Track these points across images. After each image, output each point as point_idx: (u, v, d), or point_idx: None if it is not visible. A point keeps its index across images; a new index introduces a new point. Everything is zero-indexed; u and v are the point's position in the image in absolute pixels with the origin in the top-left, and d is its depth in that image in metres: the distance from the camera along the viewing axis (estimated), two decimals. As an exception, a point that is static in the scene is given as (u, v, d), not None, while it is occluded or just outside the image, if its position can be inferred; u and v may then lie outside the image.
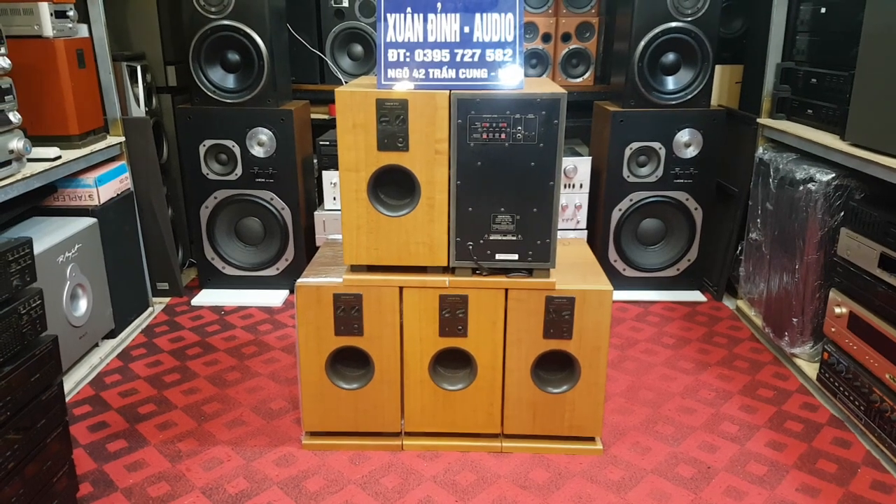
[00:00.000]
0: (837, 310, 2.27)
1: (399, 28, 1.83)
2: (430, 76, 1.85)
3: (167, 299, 3.20)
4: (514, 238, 1.91)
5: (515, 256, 1.93)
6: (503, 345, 2.01)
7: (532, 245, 1.92)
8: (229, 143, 3.06)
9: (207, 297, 3.19)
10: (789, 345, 2.58)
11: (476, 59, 1.84)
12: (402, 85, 1.85)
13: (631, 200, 3.14)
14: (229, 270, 3.24)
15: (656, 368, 2.62)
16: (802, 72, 2.73)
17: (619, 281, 3.24)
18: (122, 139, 2.85)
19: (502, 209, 1.89)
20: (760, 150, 2.86)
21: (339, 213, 3.15)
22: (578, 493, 1.93)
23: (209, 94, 3.00)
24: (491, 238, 1.92)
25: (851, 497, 1.92)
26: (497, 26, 1.83)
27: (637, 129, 3.06)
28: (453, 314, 1.98)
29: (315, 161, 3.26)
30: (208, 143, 3.07)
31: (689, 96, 3.04)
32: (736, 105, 3.25)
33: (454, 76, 1.85)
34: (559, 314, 1.97)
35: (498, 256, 1.93)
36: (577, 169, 3.10)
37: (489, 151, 1.84)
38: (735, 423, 2.27)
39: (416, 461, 2.06)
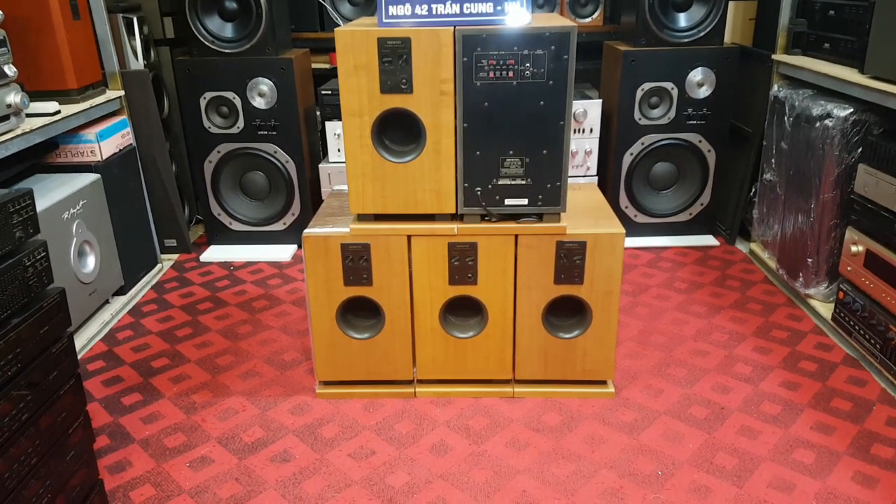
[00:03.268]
0: (854, 248, 2.22)
1: (400, -36, 1.76)
2: (434, 12, 1.78)
3: (175, 256, 3.19)
4: (524, 182, 1.87)
5: (525, 201, 1.89)
6: (514, 291, 1.99)
7: (542, 189, 1.88)
8: (230, 94, 3.01)
9: (216, 254, 3.18)
10: (804, 286, 2.54)
11: (481, -7, 1.77)
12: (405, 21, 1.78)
13: (643, 144, 3.08)
14: (236, 226, 3.22)
15: (668, 313, 2.60)
16: (819, 4, 2.63)
17: (630, 228, 3.20)
18: (122, 93, 2.80)
19: (511, 152, 1.84)
20: (775, 87, 2.77)
21: (344, 165, 3.12)
22: (591, 434, 1.94)
23: (208, 44, 2.93)
24: (499, 183, 1.88)
25: (866, 434, 1.91)
26: (502, -41, 1.75)
27: (648, 69, 2.98)
28: (462, 262, 1.96)
29: (318, 112, 3.20)
30: (209, 95, 3.01)
31: (702, 33, 2.95)
32: (750, 42, 3.15)
33: (458, 11, 1.78)
34: (570, 259, 1.94)
35: (507, 202, 1.90)
36: (587, 113, 3.03)
37: (496, 91, 1.78)
38: (748, 364, 2.26)
39: (429, 407, 2.07)
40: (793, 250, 2.61)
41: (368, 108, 1.82)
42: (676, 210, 3.21)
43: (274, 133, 3.06)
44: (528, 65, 1.75)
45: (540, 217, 1.93)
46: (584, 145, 3.10)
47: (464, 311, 2.07)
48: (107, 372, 2.30)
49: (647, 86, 3.00)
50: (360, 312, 2.08)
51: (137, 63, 3.02)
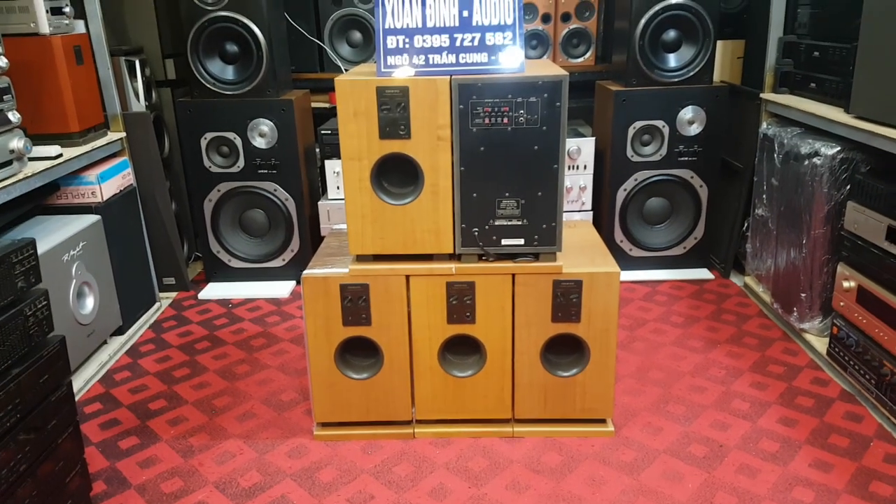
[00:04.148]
0: (846, 284, 2.25)
1: (397, 14, 1.81)
2: (430, 62, 1.83)
3: (174, 294, 3.21)
4: (520, 223, 1.90)
5: (521, 241, 1.92)
6: (512, 330, 2.01)
7: (538, 229, 1.91)
8: (230, 135, 3.05)
9: (214, 291, 3.19)
10: (798, 320, 2.57)
11: (476, 43, 1.82)
12: (402, 71, 1.83)
13: (636, 180, 3.12)
14: (235, 263, 3.24)
15: (665, 348, 2.61)
16: (804, 45, 2.69)
17: (625, 261, 3.23)
18: (123, 135, 2.84)
19: (507, 194, 1.88)
20: (764, 125, 2.83)
21: (343, 202, 3.15)
22: (591, 475, 1.94)
23: (209, 86, 2.98)
24: (496, 223, 1.91)
25: (865, 471, 1.92)
26: (496, 9, 1.81)
27: (640, 107, 3.03)
28: (461, 301, 1.98)
29: (317, 150, 3.24)
30: (210, 135, 3.05)
31: (692, 73, 3.02)
32: (738, 80, 3.22)
33: (454, 61, 1.83)
34: (567, 297, 1.96)
35: (504, 242, 1.92)
36: (581, 150, 3.08)
37: (492, 136, 1.82)
38: (746, 400, 2.27)
39: (428, 448, 2.07)
40: (786, 285, 2.64)
41: (367, 153, 1.85)
42: (671, 244, 3.24)
43: (274, 172, 3.10)
44: (522, 111, 1.80)
45: (536, 256, 1.95)
46: (578, 181, 3.14)
47: (462, 349, 2.08)
48: (104, 414, 2.29)
49: (638, 124, 3.05)
50: (359, 352, 2.09)
51: (139, 104, 3.07)
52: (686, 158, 3.11)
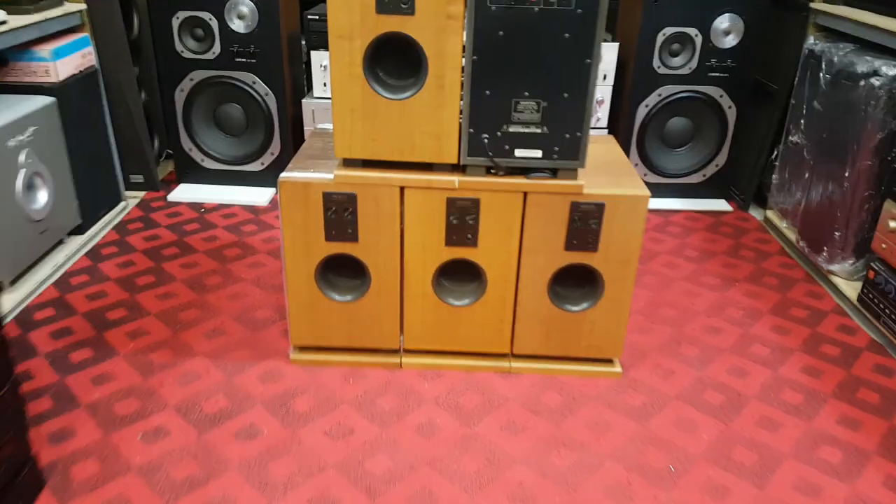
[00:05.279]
0: (892, 223, 2.01)
1: None
2: (444, -76, 1.49)
3: (142, 193, 2.91)
4: (539, 130, 1.61)
5: (539, 153, 1.64)
6: (518, 257, 1.76)
7: (560, 139, 1.62)
8: (206, 14, 2.68)
9: (186, 193, 2.91)
10: (827, 261, 2.33)
11: None
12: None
13: (659, 95, 2.81)
14: (209, 163, 2.94)
15: (678, 283, 2.38)
16: (871, -53, 2.34)
17: (638, 186, 2.96)
18: (83, 6, 2.47)
19: (526, 94, 1.58)
20: (811, 39, 2.51)
21: (330, 102, 2.83)
22: (595, 419, 1.74)
23: (182, -44, 2.59)
24: (511, 130, 1.62)
25: (897, 431, 1.73)
26: None
27: (672, 11, 2.69)
28: (462, 220, 1.71)
29: (303, 40, 2.89)
30: (182, 14, 2.69)
31: (733, -24, 2.66)
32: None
33: (473, -76, 1.49)
34: (585, 223, 1.70)
35: (518, 153, 1.64)
36: (602, 57, 2.75)
37: (514, 18, 1.51)
38: (766, 345, 2.06)
39: (416, 380, 1.85)
40: (818, 222, 2.39)
41: (361, 31, 1.53)
42: (690, 170, 2.97)
43: (253, 61, 2.75)
44: (553, -11, 1.48)
45: (554, 172, 1.68)
46: (595, 93, 2.82)
47: (459, 274, 1.84)
48: (56, 322, 2.05)
49: (668, 31, 2.72)
50: (343, 271, 1.84)
51: (102, -27, 2.67)
52: (717, 74, 2.79)
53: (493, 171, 1.68)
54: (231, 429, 1.66)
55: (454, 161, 1.67)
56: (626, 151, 2.90)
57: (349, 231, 1.73)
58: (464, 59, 1.55)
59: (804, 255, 2.49)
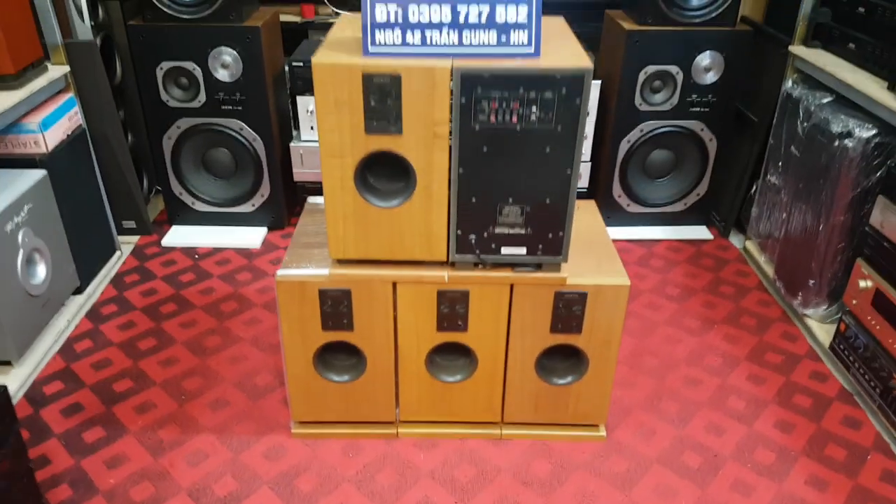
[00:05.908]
0: (862, 283, 2.11)
1: (389, -17, 1.49)
2: (428, 41, 1.53)
3: (135, 238, 2.96)
4: (523, 231, 1.69)
5: (524, 250, 1.71)
6: (506, 339, 1.85)
7: (543, 238, 1.69)
8: (189, 65, 2.69)
9: (179, 237, 2.96)
10: (802, 305, 2.44)
11: (483, 18, 1.52)
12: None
13: (641, 131, 2.87)
14: (200, 206, 2.98)
15: (660, 328, 2.49)
16: (847, -4, 2.38)
17: (622, 217, 3.04)
18: (67, 69, 2.47)
19: (510, 200, 1.65)
20: (790, 83, 2.56)
21: (317, 145, 2.87)
22: (582, 489, 1.85)
23: (163, 8, 2.59)
24: (496, 231, 1.69)
25: (861, 490, 1.86)
26: (509, -19, 1.49)
27: (653, 50, 2.73)
28: (452, 309, 1.79)
29: (288, 85, 2.90)
30: (166, 65, 2.70)
31: (714, 13, 2.69)
32: (761, 16, 2.90)
33: (457, 41, 1.53)
34: (569, 310, 1.79)
35: (504, 251, 1.71)
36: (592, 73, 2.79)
37: (497, 135, 1.57)
38: (742, 397, 2.17)
39: (412, 452, 1.96)
40: (793, 267, 2.48)
41: (351, 150, 1.59)
42: (671, 199, 3.04)
43: (239, 108, 2.78)
44: (534, 108, 1.53)
45: (538, 266, 1.75)
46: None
47: (451, 351, 1.93)
48: (66, 397, 2.13)
49: (650, 69, 2.76)
50: (339, 352, 1.92)
51: (84, 24, 2.66)
52: (698, 109, 2.84)
53: (480, 265, 1.75)
54: (241, 515, 1.77)
55: (443, 259, 1.74)
56: (610, 183, 2.97)
57: (345, 321, 1.81)
58: (450, 172, 1.61)
59: (780, 294, 2.59)
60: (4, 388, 1.31)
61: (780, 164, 2.59)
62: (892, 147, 2.08)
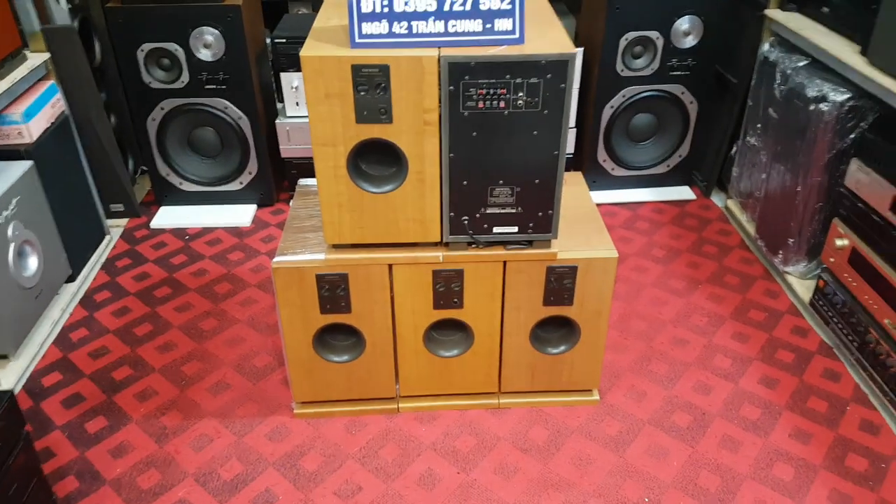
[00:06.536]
0: (839, 242, 2.18)
1: (374, -29, 1.49)
2: (414, 30, 1.54)
3: (124, 221, 2.96)
4: (514, 210, 1.72)
5: (515, 229, 1.76)
6: (501, 313, 1.90)
7: (533, 217, 1.74)
8: (171, 46, 2.66)
9: (167, 218, 2.96)
10: (782, 263, 2.52)
11: (468, 6, 1.53)
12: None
13: (624, 97, 2.89)
14: (187, 186, 2.98)
15: (647, 290, 2.56)
16: (823, -43, 2.40)
17: (607, 181, 3.09)
18: (47, 56, 2.44)
19: (500, 182, 1.68)
20: (766, 46, 2.59)
21: (305, 120, 2.86)
22: (578, 453, 1.94)
23: (138, -10, 2.55)
24: (488, 211, 1.73)
25: (841, 442, 1.96)
26: (493, -34, 1.50)
27: (634, 16, 2.73)
28: (448, 288, 1.84)
29: (271, 61, 2.88)
30: (147, 47, 2.66)
31: (692, -23, 2.70)
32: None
33: (443, 30, 1.54)
34: (560, 283, 1.84)
35: (496, 230, 1.76)
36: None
37: (486, 120, 1.59)
38: (728, 355, 2.26)
39: (413, 426, 2.02)
40: (773, 225, 2.55)
41: (343, 139, 1.61)
42: (654, 162, 3.09)
43: (223, 87, 2.76)
44: (521, 94, 1.56)
45: (530, 243, 1.80)
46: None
47: (448, 327, 1.98)
48: (65, 388, 2.16)
49: (631, 35, 2.77)
50: (338, 332, 1.97)
51: (60, 7, 2.61)
52: (679, 73, 2.87)
53: (473, 245, 1.80)
54: (249, 495, 1.83)
55: (437, 240, 1.78)
56: (595, 149, 3.00)
57: (342, 304, 1.86)
58: (441, 157, 1.63)
59: (762, 251, 2.67)
60: (11, 392, 1.34)
61: (758, 125, 2.63)
62: (865, 110, 2.13)
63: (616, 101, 2.90)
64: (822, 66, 2.30)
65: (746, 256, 2.74)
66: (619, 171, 3.08)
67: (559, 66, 1.53)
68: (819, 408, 2.07)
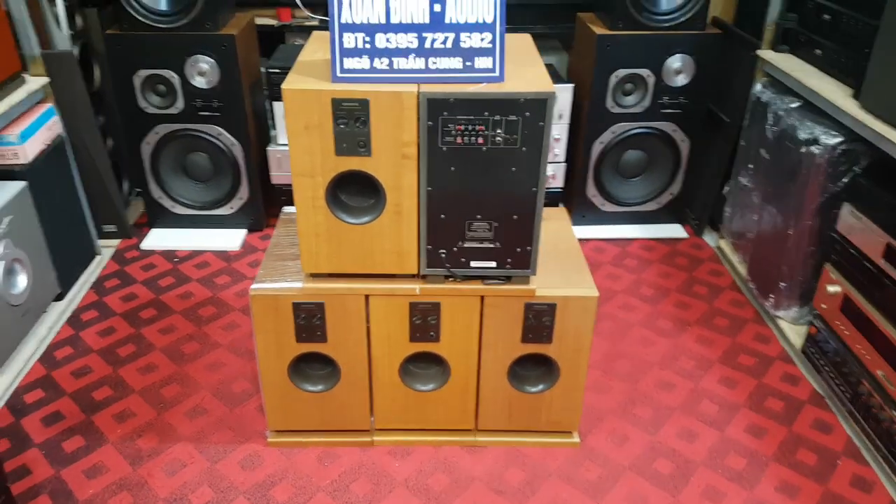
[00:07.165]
0: (830, 288, 2.15)
1: (357, 6, 1.51)
2: (395, 66, 1.55)
3: (116, 242, 2.97)
4: (492, 245, 1.71)
5: (493, 264, 1.74)
6: (478, 349, 1.88)
7: (511, 252, 1.73)
8: (167, 72, 2.70)
9: (158, 240, 2.97)
10: (774, 307, 2.49)
11: (449, 44, 1.54)
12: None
13: (614, 133, 2.90)
14: (179, 209, 2.99)
15: (634, 329, 2.53)
16: (813, 3, 2.40)
17: (596, 216, 3.08)
18: (46, 80, 2.47)
19: (479, 216, 1.67)
20: (758, 86, 2.59)
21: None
22: (555, 498, 1.89)
23: (139, 18, 2.58)
24: (466, 245, 1.72)
25: (830, 496, 1.90)
26: (473, 4, 1.51)
27: (624, 54, 2.75)
28: (424, 320, 1.83)
29: (265, 91, 2.91)
30: (143, 73, 2.70)
31: (684, 18, 2.71)
32: (731, 16, 2.93)
33: (423, 66, 1.55)
34: (539, 320, 1.82)
35: (473, 264, 1.74)
36: (556, 97, 2.82)
37: (464, 156, 1.59)
38: (714, 401, 2.22)
39: (386, 460, 1.99)
40: (765, 268, 2.53)
41: (322, 170, 1.61)
42: (645, 199, 3.08)
43: (217, 115, 2.79)
44: (499, 130, 1.56)
45: (508, 278, 1.79)
46: (552, 132, 2.90)
47: (424, 359, 1.96)
48: (46, 406, 2.15)
49: (621, 72, 2.78)
50: (314, 362, 1.95)
51: (61, 33, 2.65)
52: (670, 110, 2.87)
53: (451, 278, 1.78)
54: (218, 526, 1.80)
55: (414, 272, 1.77)
56: (584, 185, 3.00)
57: (318, 333, 1.84)
58: (419, 190, 1.63)
59: (753, 294, 2.64)
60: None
61: (750, 166, 2.62)
62: (857, 154, 2.12)
63: (606, 137, 2.90)
64: (815, 109, 2.30)
65: (737, 298, 2.70)
66: (609, 207, 3.07)
67: (538, 104, 1.53)
68: (808, 460, 2.02)
